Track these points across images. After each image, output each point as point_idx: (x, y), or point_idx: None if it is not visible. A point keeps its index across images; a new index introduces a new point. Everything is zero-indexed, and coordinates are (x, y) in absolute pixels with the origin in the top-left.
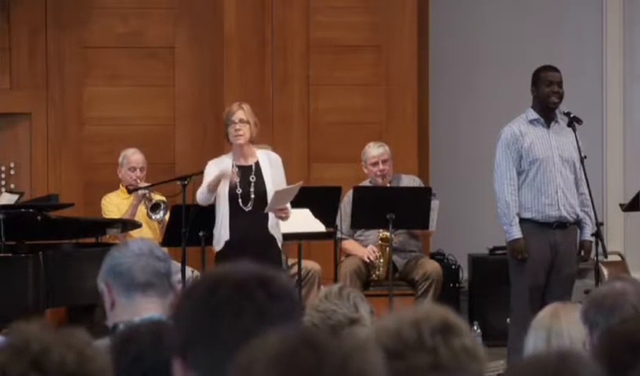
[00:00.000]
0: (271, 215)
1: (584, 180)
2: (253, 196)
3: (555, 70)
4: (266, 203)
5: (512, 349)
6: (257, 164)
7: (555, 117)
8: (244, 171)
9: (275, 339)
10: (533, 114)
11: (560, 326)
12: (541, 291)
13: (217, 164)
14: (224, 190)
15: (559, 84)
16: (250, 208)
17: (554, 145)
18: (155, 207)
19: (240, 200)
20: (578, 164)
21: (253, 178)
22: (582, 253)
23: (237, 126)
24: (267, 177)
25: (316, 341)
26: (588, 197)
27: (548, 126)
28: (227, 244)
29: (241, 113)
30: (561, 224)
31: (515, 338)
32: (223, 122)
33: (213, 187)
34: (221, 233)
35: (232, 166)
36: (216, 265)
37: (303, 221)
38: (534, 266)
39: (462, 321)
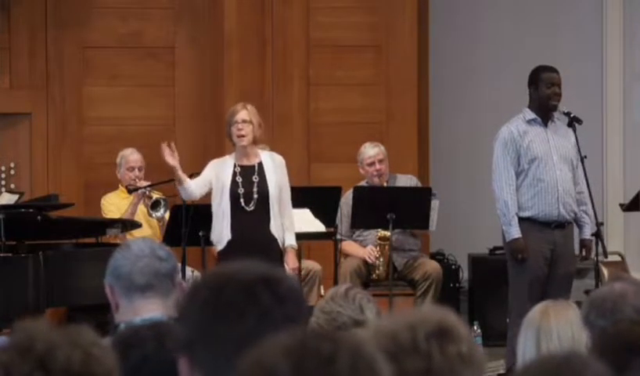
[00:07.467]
0: (273, 216)
1: (584, 179)
2: (256, 196)
3: (556, 71)
4: (268, 203)
5: (510, 350)
6: (260, 164)
7: (552, 117)
8: (246, 170)
9: (286, 333)
10: (530, 114)
11: (549, 325)
12: (541, 289)
13: (215, 165)
14: (224, 189)
15: (559, 85)
16: (252, 208)
17: (552, 144)
18: (155, 205)
19: (242, 200)
20: (576, 163)
21: (256, 178)
22: (583, 252)
23: (239, 126)
24: (270, 178)
25: (328, 333)
26: (587, 195)
27: (546, 125)
28: (229, 243)
29: (244, 113)
30: (560, 224)
31: (513, 338)
32: (225, 122)
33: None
34: (223, 232)
35: (234, 165)
36: (219, 264)
37: (303, 221)
38: (534, 265)
39: (461, 325)
